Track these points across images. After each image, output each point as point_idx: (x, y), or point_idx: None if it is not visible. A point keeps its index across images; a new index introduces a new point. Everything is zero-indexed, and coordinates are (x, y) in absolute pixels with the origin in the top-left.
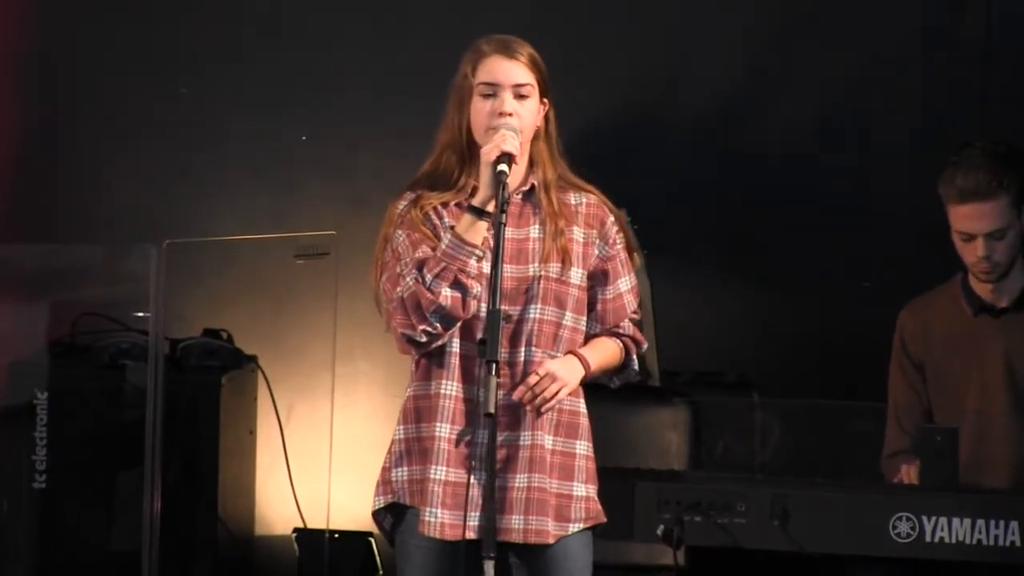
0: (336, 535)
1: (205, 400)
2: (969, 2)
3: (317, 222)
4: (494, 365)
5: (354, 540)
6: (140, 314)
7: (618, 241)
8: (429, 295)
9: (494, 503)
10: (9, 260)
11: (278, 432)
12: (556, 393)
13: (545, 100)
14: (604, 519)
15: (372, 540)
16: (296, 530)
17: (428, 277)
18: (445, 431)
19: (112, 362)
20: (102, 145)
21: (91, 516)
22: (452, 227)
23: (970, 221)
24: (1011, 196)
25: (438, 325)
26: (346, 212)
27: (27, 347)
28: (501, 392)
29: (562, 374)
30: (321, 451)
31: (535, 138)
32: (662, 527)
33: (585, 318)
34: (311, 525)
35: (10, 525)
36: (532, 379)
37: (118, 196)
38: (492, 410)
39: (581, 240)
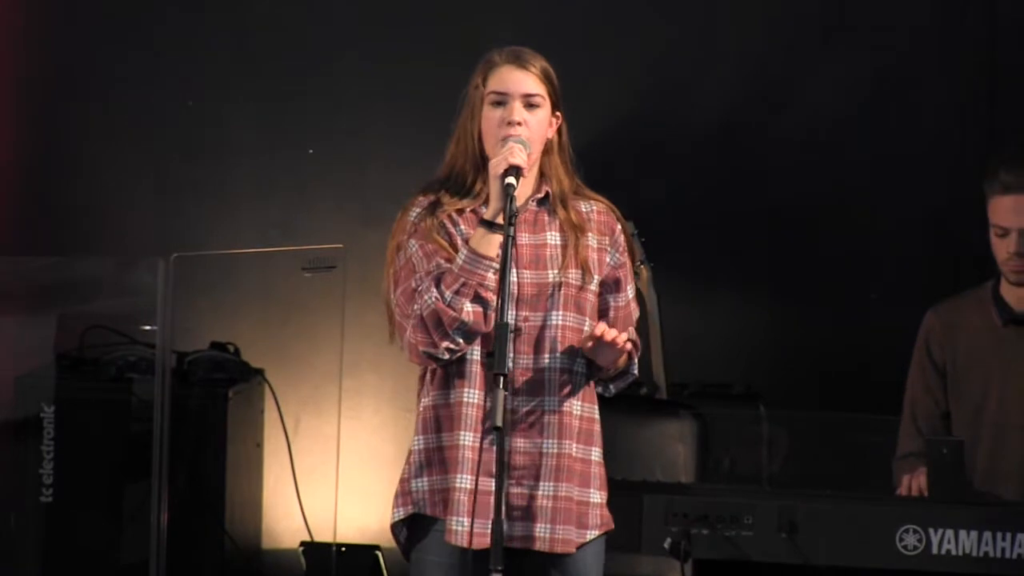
0: (343, 548)
1: (212, 413)
2: (972, 6)
3: (325, 235)
4: (502, 378)
5: (361, 553)
6: (147, 327)
7: (626, 249)
8: (451, 312)
9: (501, 515)
10: (17, 273)
11: (285, 445)
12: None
13: (558, 113)
14: (612, 527)
15: (379, 553)
16: (303, 543)
17: (448, 294)
18: (469, 439)
19: (119, 375)
20: (110, 158)
21: (98, 529)
22: (467, 241)
23: (1007, 214)
24: None
25: (460, 340)
26: (354, 225)
27: (34, 360)
28: (524, 397)
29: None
30: (328, 464)
31: (548, 152)
32: (669, 540)
33: None
34: (318, 538)
35: (18, 539)
36: (606, 335)
37: (126, 209)
38: (500, 423)
39: (595, 247)
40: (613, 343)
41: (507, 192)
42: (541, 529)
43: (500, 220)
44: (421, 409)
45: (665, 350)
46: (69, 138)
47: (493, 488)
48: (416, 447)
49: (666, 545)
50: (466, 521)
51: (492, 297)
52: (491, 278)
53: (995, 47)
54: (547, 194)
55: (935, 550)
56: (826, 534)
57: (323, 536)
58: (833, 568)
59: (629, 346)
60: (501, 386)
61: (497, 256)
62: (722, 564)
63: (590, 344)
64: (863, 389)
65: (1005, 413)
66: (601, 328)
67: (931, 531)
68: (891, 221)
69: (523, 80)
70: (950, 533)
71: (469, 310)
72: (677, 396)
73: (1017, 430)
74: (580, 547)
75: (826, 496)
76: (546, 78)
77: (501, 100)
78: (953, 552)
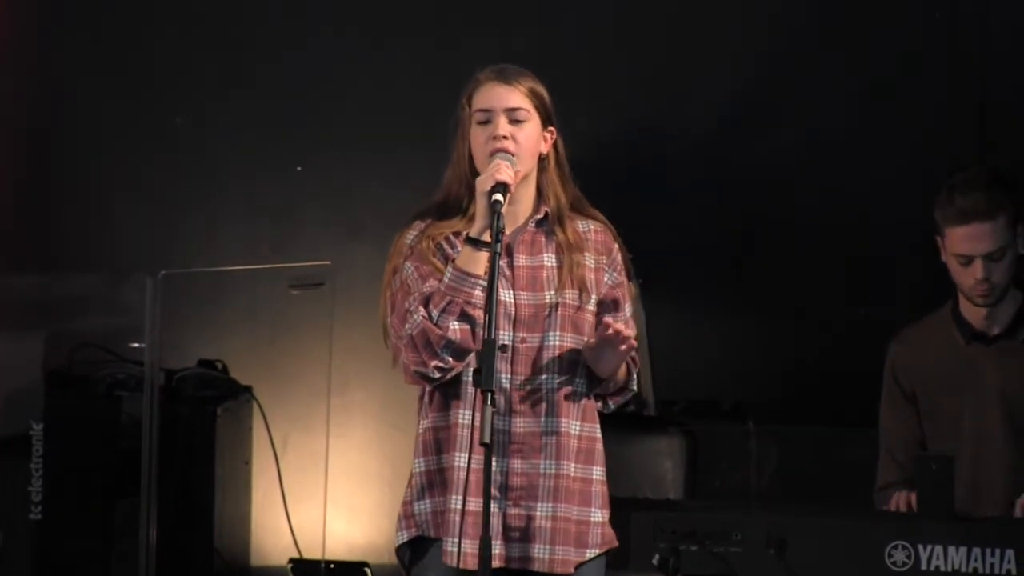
0: (332, 565)
1: (201, 430)
2: (963, 15)
3: (313, 252)
4: (489, 395)
5: (350, 570)
6: (136, 345)
7: (623, 268)
8: (437, 331)
9: (488, 532)
10: (5, 290)
11: (273, 462)
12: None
13: (551, 128)
14: (616, 544)
15: (367, 570)
16: (292, 560)
17: (435, 312)
18: (465, 460)
19: (108, 393)
20: (98, 175)
21: (87, 547)
22: (453, 260)
23: (969, 243)
24: (1008, 217)
25: (449, 359)
26: (341, 242)
27: (22, 378)
28: (521, 418)
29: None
30: (316, 481)
31: (543, 168)
32: (658, 556)
33: None
34: (307, 555)
35: (7, 556)
36: (614, 327)
37: (114, 226)
38: (487, 440)
39: (592, 266)
40: (617, 346)
41: (493, 209)
42: (539, 550)
43: (486, 237)
44: (420, 432)
45: (654, 367)
46: (57, 155)
47: (492, 509)
48: (417, 470)
49: (655, 562)
50: (463, 542)
51: (479, 315)
52: (478, 295)
53: (986, 56)
54: (546, 214)
55: (924, 566)
56: (815, 550)
57: (312, 553)
58: None
59: (633, 343)
60: (488, 403)
61: (484, 273)
62: None
63: (593, 341)
64: (852, 405)
65: (980, 428)
66: (610, 319)
67: (920, 547)
68: (881, 236)
69: (506, 95)
70: (939, 549)
71: (456, 328)
72: (666, 413)
73: (993, 446)
74: (580, 566)
75: (815, 512)
76: (532, 93)
77: (486, 118)
78: (942, 568)
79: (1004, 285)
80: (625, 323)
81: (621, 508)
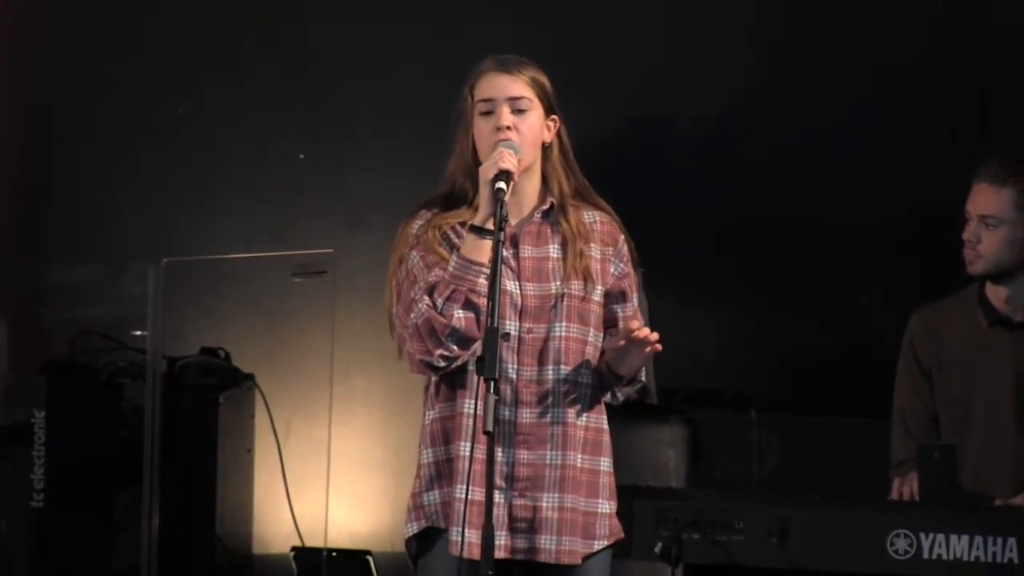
0: (334, 553)
1: (203, 418)
2: (964, 10)
3: (315, 240)
4: (492, 383)
5: (352, 558)
6: (138, 333)
7: (630, 259)
8: (442, 319)
9: (491, 521)
10: (7, 279)
11: (276, 450)
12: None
13: (554, 117)
14: (623, 535)
15: (370, 558)
16: (294, 548)
17: (439, 301)
18: (470, 450)
19: (110, 381)
20: (100, 164)
21: (89, 535)
22: (457, 248)
23: (972, 201)
24: (1018, 194)
25: (454, 347)
26: (343, 230)
27: (23, 366)
28: (528, 409)
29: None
30: (319, 469)
31: (547, 157)
32: (660, 545)
33: (603, 335)
34: (309, 543)
35: (8, 544)
36: (640, 332)
37: (116, 215)
38: (491, 428)
39: (599, 257)
40: (642, 346)
41: (496, 197)
42: (546, 541)
43: (490, 225)
44: (427, 422)
45: (655, 355)
46: (59, 145)
47: (496, 499)
48: (425, 460)
49: (657, 550)
50: (468, 532)
51: (484, 303)
52: (482, 283)
53: (986, 50)
54: (552, 205)
55: (926, 554)
56: (817, 539)
57: (314, 541)
58: (824, 573)
59: (659, 347)
60: (491, 391)
61: (488, 261)
62: (713, 569)
63: (622, 343)
64: (854, 394)
65: (993, 415)
66: (636, 323)
67: (922, 535)
68: (883, 226)
69: (508, 84)
70: (941, 537)
71: (460, 316)
72: (668, 401)
73: (1005, 431)
74: (588, 557)
75: (817, 501)
76: (533, 82)
77: (489, 108)
78: (944, 556)
79: (995, 260)
80: (633, 314)
81: (623, 496)
